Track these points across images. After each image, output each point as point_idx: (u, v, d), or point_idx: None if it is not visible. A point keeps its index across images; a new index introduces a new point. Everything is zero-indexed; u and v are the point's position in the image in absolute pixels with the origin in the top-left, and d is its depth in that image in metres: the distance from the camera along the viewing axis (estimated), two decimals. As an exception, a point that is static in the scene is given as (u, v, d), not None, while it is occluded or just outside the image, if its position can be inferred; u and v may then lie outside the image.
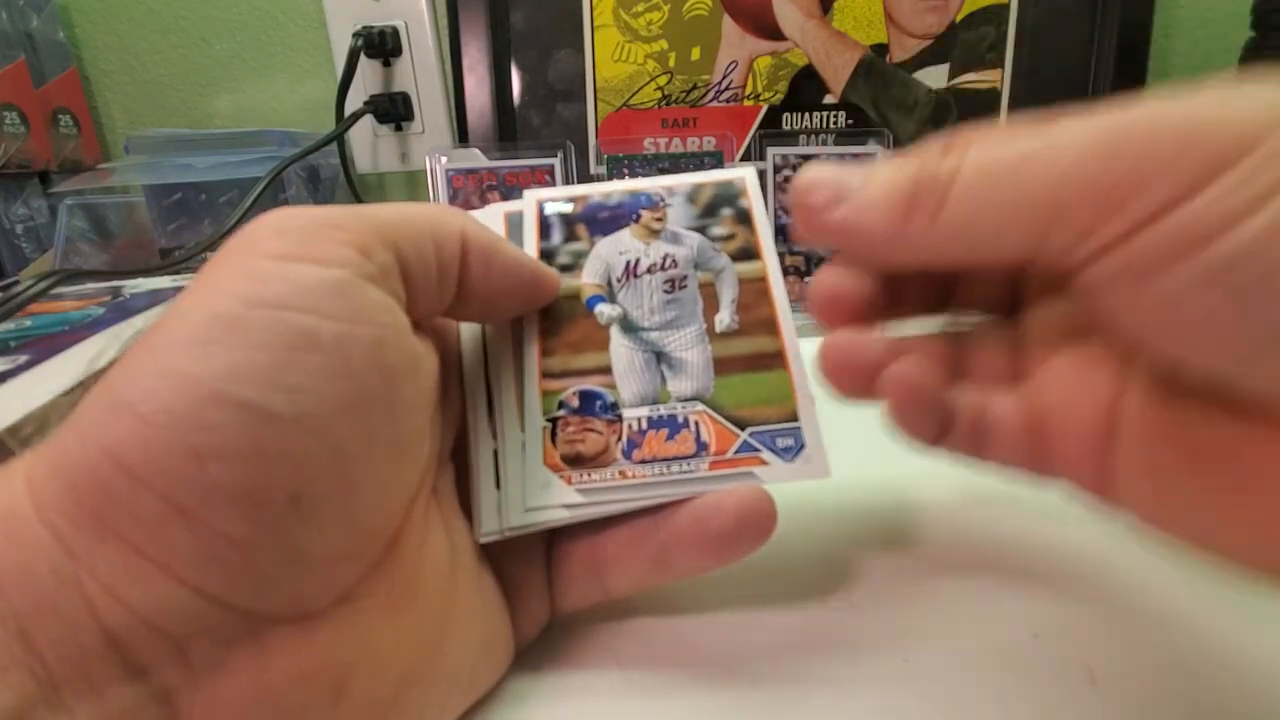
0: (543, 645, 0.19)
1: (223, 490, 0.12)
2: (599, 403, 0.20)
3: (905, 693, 0.17)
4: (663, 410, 0.19)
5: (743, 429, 0.19)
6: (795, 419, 0.19)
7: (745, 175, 0.23)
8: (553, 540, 0.20)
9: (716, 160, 0.51)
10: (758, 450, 0.19)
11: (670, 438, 0.19)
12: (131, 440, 0.12)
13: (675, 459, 0.19)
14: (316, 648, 0.14)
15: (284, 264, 0.14)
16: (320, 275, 0.14)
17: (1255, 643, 0.19)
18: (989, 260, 0.16)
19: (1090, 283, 0.14)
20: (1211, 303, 0.12)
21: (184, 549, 0.12)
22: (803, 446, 0.19)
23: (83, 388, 0.23)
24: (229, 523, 0.12)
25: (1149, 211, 0.12)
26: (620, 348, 0.20)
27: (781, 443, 0.19)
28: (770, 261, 0.21)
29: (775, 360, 0.20)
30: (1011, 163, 0.14)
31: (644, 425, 0.19)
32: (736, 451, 0.19)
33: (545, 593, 0.19)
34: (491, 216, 0.23)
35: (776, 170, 0.49)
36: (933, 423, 0.19)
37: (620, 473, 0.19)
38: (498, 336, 0.21)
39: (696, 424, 0.19)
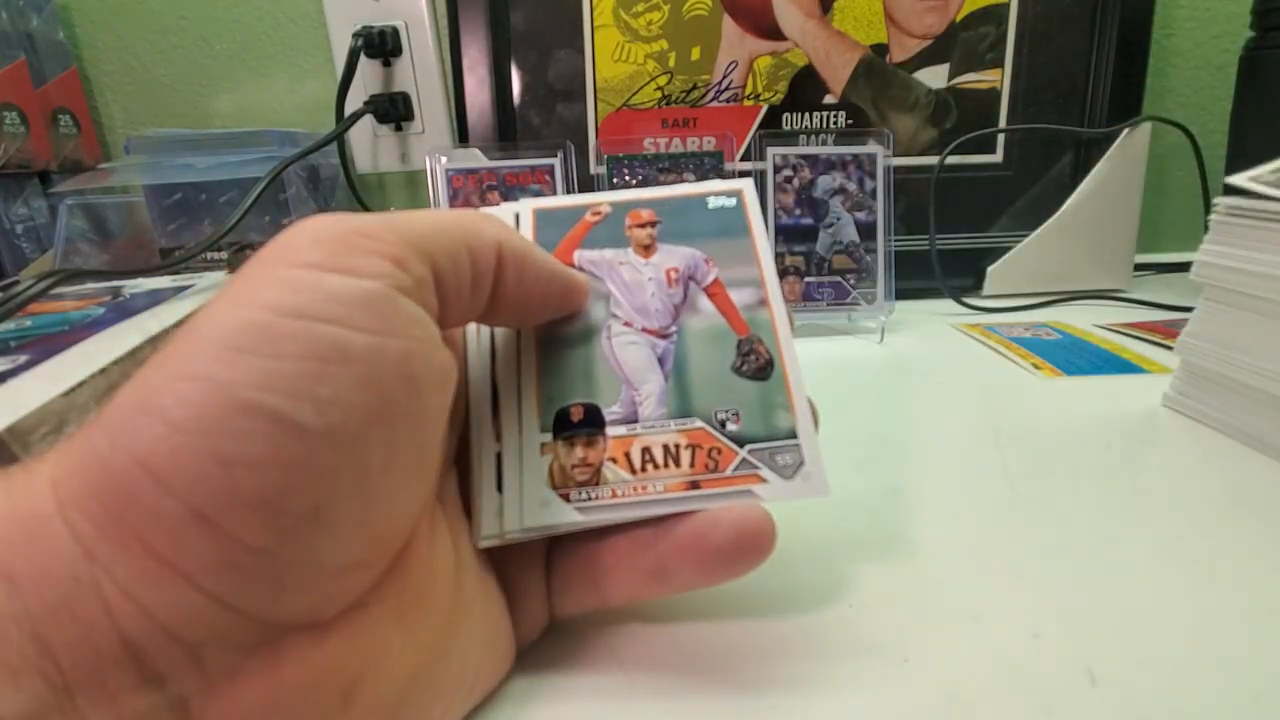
0: (545, 646, 0.19)
1: (245, 498, 0.12)
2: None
3: (905, 693, 0.17)
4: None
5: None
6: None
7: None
8: (552, 545, 0.20)
9: (717, 160, 0.51)
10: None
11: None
12: (159, 445, 0.12)
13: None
14: (327, 655, 0.14)
15: (317, 274, 0.14)
16: (353, 286, 0.14)
17: (1255, 643, 0.19)
18: None
19: None
20: None
21: (203, 555, 0.12)
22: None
23: (85, 387, 0.23)
24: (249, 531, 0.12)
25: None
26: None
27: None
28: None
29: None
30: None
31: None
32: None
33: (544, 597, 0.19)
34: (518, 212, 0.23)
35: (776, 170, 0.49)
36: None
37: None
38: (505, 339, 0.21)
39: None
